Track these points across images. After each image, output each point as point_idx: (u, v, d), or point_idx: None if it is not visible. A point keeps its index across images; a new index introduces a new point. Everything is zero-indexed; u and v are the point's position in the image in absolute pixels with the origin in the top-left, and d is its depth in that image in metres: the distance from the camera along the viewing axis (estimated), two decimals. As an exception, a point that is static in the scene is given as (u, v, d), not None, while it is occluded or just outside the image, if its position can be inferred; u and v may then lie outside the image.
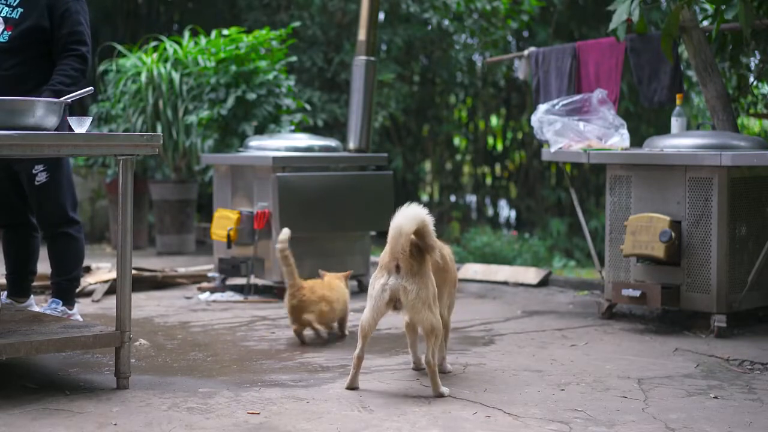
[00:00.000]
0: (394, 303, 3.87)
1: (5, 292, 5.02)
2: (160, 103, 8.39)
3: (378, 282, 3.88)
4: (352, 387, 3.97)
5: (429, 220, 3.84)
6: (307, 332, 5.20)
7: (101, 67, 8.90)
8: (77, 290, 5.14)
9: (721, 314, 5.17)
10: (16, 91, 4.53)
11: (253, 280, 6.37)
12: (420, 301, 3.83)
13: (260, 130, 7.63)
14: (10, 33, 4.67)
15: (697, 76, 5.95)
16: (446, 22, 10.81)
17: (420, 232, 3.84)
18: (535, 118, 5.95)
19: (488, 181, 12.85)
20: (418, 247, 3.86)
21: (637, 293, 5.29)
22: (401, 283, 3.83)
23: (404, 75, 11.23)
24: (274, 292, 6.31)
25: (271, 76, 7.65)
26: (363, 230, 6.58)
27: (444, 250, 4.26)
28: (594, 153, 5.63)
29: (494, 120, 12.77)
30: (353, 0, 10.19)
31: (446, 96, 12.16)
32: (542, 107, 6.00)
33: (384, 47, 10.75)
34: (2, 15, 4.69)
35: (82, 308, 5.55)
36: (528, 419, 3.59)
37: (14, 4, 4.70)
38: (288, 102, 7.88)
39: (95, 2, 9.70)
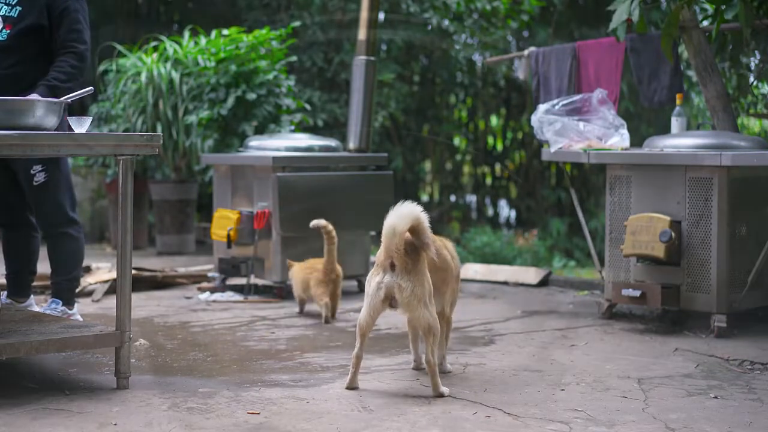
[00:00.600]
0: (390, 301, 3.87)
1: (5, 292, 5.02)
2: (160, 103, 8.39)
3: (374, 280, 3.88)
4: (352, 387, 3.98)
5: (424, 218, 3.84)
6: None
7: (101, 67, 8.90)
8: (77, 290, 5.14)
9: (721, 314, 5.17)
10: (15, 90, 4.53)
11: (253, 280, 6.37)
12: (415, 298, 3.83)
13: (260, 130, 7.63)
14: (8, 32, 4.67)
15: (697, 76, 5.95)
16: (446, 22, 10.82)
17: (415, 230, 3.84)
18: (535, 118, 5.96)
19: (488, 181, 12.86)
20: (414, 244, 3.86)
21: (637, 293, 5.29)
22: (396, 280, 3.83)
23: (404, 75, 11.23)
24: (274, 292, 6.31)
25: (271, 76, 7.65)
26: (363, 230, 6.58)
27: (445, 247, 4.26)
28: (594, 153, 5.63)
29: (494, 120, 12.77)
30: (353, 0, 10.19)
31: (446, 96, 12.16)
32: (542, 107, 6.00)
33: (384, 47, 10.75)
34: (1, 13, 4.69)
35: (82, 308, 5.55)
36: (528, 419, 3.59)
37: (13, 3, 4.70)
38: (288, 102, 7.88)
39: (95, 2, 9.70)
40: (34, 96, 4.51)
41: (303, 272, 5.67)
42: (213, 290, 6.45)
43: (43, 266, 5.17)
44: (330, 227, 5.48)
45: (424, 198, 12.47)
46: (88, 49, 4.78)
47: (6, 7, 4.70)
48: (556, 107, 5.96)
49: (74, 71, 4.69)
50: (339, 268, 5.57)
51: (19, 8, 4.69)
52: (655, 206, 5.39)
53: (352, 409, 3.70)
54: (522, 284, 6.99)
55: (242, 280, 6.50)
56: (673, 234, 5.21)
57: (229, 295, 6.27)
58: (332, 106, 10.05)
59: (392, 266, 3.84)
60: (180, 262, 7.89)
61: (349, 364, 4.04)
